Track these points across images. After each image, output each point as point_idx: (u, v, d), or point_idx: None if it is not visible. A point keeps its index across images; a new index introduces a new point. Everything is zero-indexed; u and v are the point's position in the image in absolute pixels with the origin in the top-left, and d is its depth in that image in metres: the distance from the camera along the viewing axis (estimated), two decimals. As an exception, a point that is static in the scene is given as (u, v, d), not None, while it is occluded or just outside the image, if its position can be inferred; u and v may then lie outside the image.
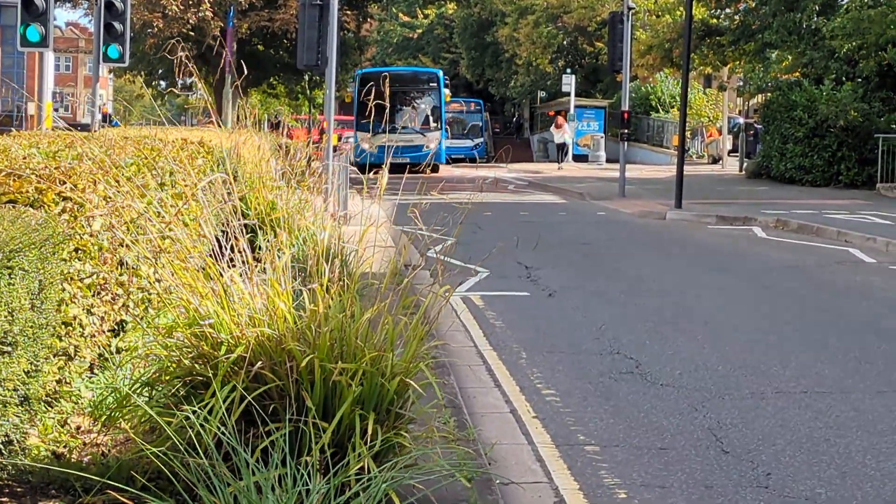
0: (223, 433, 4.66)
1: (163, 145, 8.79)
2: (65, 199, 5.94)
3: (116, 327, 6.93)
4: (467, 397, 7.79)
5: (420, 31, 77.34)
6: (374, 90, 6.72)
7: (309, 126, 50.68)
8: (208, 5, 43.72)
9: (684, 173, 24.87)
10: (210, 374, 5.08)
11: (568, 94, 53.21)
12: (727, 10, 38.34)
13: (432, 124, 41.18)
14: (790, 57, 35.58)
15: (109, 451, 5.65)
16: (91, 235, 6.16)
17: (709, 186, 31.50)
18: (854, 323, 11.47)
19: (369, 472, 4.71)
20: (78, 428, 5.98)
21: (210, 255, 5.77)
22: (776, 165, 33.65)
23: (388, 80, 7.69)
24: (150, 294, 7.28)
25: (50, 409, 5.77)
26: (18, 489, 5.09)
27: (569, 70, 57.79)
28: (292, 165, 11.28)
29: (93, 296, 6.21)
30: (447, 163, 43.53)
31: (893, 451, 6.93)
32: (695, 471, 6.49)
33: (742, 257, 17.13)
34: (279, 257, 5.65)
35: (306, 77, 52.99)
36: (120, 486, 4.60)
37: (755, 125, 43.74)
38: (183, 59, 6.61)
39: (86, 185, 6.21)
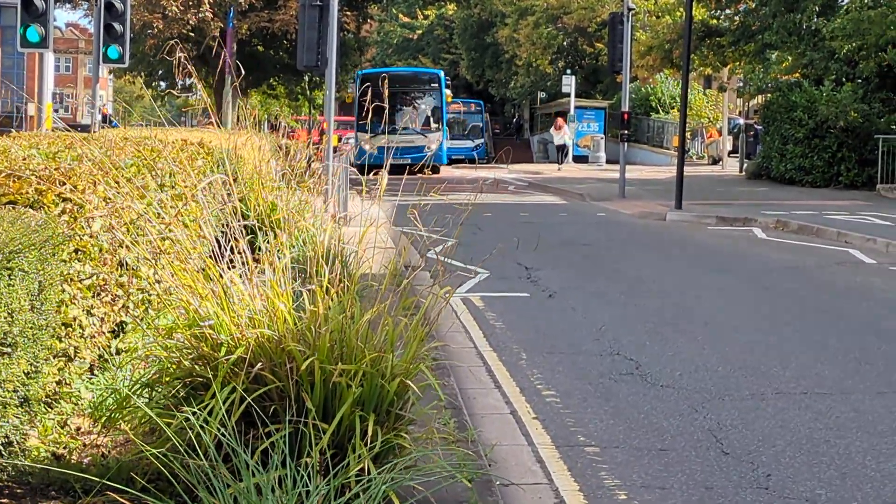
0: (223, 434, 4.66)
1: (162, 146, 8.79)
2: (64, 200, 5.94)
3: (116, 328, 6.93)
4: (467, 398, 7.79)
5: (420, 31, 77.38)
6: (375, 91, 6.73)
7: (309, 127, 50.70)
8: (208, 6, 43.72)
9: (684, 174, 24.86)
10: (210, 376, 5.08)
11: (568, 95, 53.22)
12: (727, 11, 38.36)
13: (433, 125, 41.14)
14: (790, 58, 35.58)
15: (109, 452, 5.65)
16: (91, 236, 6.16)
17: (709, 187, 31.50)
18: (854, 324, 11.47)
19: (369, 473, 4.71)
20: (78, 429, 5.98)
21: (210, 257, 5.77)
22: (776, 166, 33.65)
23: (388, 80, 7.70)
24: (149, 295, 7.28)
25: (50, 410, 5.76)
26: (18, 490, 5.09)
27: (569, 71, 57.84)
28: (292, 166, 11.29)
29: (93, 297, 6.21)
30: (447, 164, 43.50)
31: (893, 452, 6.93)
32: (695, 472, 6.49)
33: (742, 258, 17.13)
34: (279, 258, 5.65)
35: (306, 78, 52.99)
36: (120, 487, 4.60)
37: (755, 126, 43.72)
38: (182, 59, 6.60)
39: (86, 186, 6.21)
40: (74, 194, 6.00)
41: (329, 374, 5.07)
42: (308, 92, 60.69)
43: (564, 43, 61.19)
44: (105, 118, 27.70)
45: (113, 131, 13.39)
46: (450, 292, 5.98)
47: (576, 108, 52.70)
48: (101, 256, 6.32)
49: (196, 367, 5.28)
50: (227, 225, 6.12)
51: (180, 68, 6.57)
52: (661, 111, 53.52)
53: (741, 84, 45.80)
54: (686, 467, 6.57)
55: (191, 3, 43.50)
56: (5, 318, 4.67)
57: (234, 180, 7.72)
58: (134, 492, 4.62)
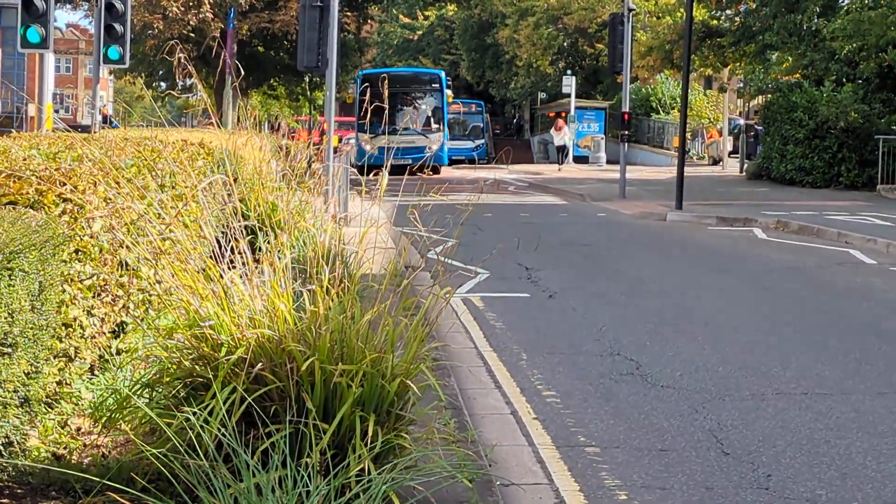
0: (223, 434, 4.66)
1: (163, 147, 8.79)
2: (65, 200, 5.94)
3: (117, 328, 6.93)
4: (468, 398, 7.79)
5: (420, 32, 77.40)
6: (376, 91, 6.73)
7: (309, 127, 50.68)
8: (208, 7, 43.71)
9: (685, 175, 24.87)
10: (210, 376, 5.08)
11: (568, 96, 53.21)
12: (728, 12, 38.38)
13: (434, 125, 41.09)
14: (790, 58, 35.60)
15: (110, 452, 5.65)
16: (91, 237, 6.16)
17: (709, 188, 31.50)
18: (854, 324, 11.47)
19: (369, 473, 4.71)
20: (78, 429, 5.98)
21: (210, 257, 5.77)
22: (776, 167, 33.65)
23: (389, 80, 7.69)
24: (150, 295, 7.28)
25: (50, 410, 5.76)
26: (19, 490, 5.09)
27: (569, 71, 57.85)
28: (293, 167, 11.29)
29: (93, 297, 6.21)
30: (448, 164, 43.49)
31: (894, 452, 6.93)
32: (695, 472, 6.49)
33: (742, 258, 17.13)
34: (279, 259, 5.65)
35: (307, 78, 52.95)
36: (120, 487, 4.59)
37: (755, 126, 43.74)
38: (183, 60, 6.60)
39: (86, 186, 6.21)
40: (75, 195, 6.01)
41: (329, 374, 5.07)
42: (308, 92, 60.65)
43: (565, 43, 61.22)
44: (105, 119, 27.69)
45: (113, 132, 13.39)
46: (450, 293, 5.98)
47: (576, 108, 52.70)
48: (101, 257, 6.32)
49: (196, 367, 5.28)
50: (228, 225, 6.12)
51: (180, 69, 6.58)
52: (661, 112, 53.53)
53: (741, 84, 45.86)
54: (686, 467, 6.57)
55: (191, 4, 43.48)
56: (6, 318, 4.67)
57: (235, 181, 7.72)
58: (134, 492, 4.62)
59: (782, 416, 7.70)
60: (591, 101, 56.97)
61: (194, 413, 4.75)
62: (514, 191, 33.17)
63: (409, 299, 5.79)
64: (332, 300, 5.44)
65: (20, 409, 5.05)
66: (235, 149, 11.90)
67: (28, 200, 5.70)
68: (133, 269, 6.79)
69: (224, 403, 4.80)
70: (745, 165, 39.41)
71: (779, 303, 12.77)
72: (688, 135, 34.81)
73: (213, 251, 5.80)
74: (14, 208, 5.47)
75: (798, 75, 35.76)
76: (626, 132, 30.88)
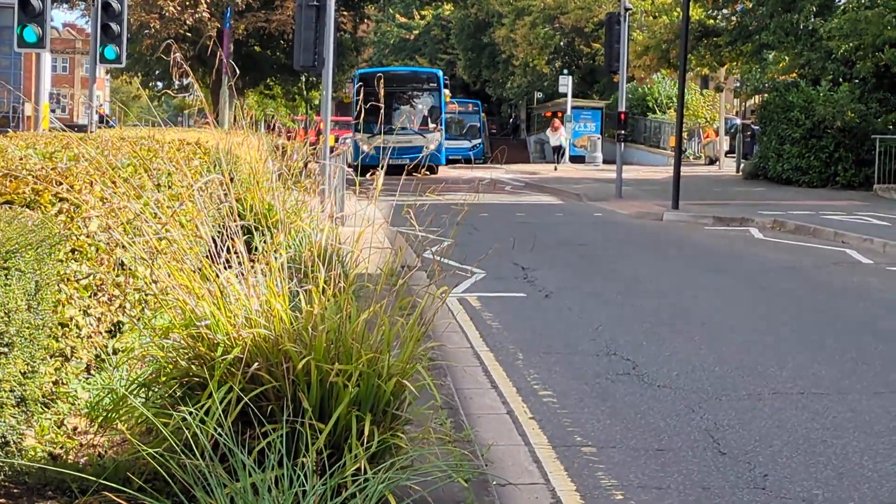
0: (220, 434, 4.66)
1: (159, 146, 8.79)
2: (61, 199, 5.94)
3: (113, 328, 6.93)
4: (464, 398, 7.79)
5: (417, 32, 77.40)
6: (373, 90, 6.72)
7: (306, 127, 50.66)
8: (205, 6, 43.65)
9: (681, 174, 24.89)
10: (207, 376, 5.08)
11: (565, 95, 53.20)
12: (724, 11, 38.38)
13: (431, 125, 41.01)
14: (787, 58, 35.60)
15: (106, 452, 5.64)
16: (88, 236, 6.16)
17: (706, 187, 31.51)
18: (851, 324, 11.48)
19: (366, 473, 4.71)
20: (74, 429, 5.98)
21: (207, 257, 5.77)
22: (773, 166, 33.68)
23: (387, 80, 7.68)
24: (146, 295, 7.28)
25: (46, 410, 5.76)
26: (15, 490, 5.08)
27: (566, 71, 57.84)
28: (289, 166, 11.29)
29: (89, 297, 6.21)
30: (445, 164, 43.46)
31: (890, 451, 6.93)
32: (692, 472, 6.49)
33: (739, 258, 17.13)
34: (276, 258, 5.65)
35: (303, 78, 52.92)
36: (116, 487, 4.59)
37: (752, 126, 43.76)
38: (179, 60, 6.60)
39: (82, 186, 6.21)
40: (71, 194, 6.00)
41: (326, 373, 5.07)
42: (305, 92, 60.61)
43: (561, 43, 61.21)
44: (102, 118, 27.67)
45: (110, 131, 13.38)
46: (446, 292, 5.98)
47: (573, 108, 52.67)
48: (97, 256, 6.32)
49: (193, 366, 5.28)
50: (224, 225, 6.11)
51: (177, 68, 6.57)
52: (657, 111, 53.54)
53: (738, 84, 45.83)
54: (683, 467, 6.57)
55: (188, 4, 43.44)
56: (2, 317, 4.67)
57: (231, 180, 7.72)
58: (130, 491, 4.62)
59: (779, 416, 7.71)
60: (587, 101, 56.99)
61: (191, 413, 4.75)
62: (510, 190, 33.18)
63: (405, 299, 5.79)
64: (329, 300, 5.44)
65: (16, 408, 5.05)
66: (232, 148, 11.90)
67: (24, 200, 5.70)
68: (129, 269, 6.79)
69: (220, 403, 4.80)
70: (742, 165, 39.44)
71: (775, 302, 12.78)
72: (684, 134, 34.85)
73: (209, 251, 5.80)
74: (10, 208, 5.47)
75: (795, 75, 35.78)
76: (623, 132, 30.90)
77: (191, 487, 4.54)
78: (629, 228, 22.17)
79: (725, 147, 46.18)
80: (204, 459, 4.52)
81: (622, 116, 30.59)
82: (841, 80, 33.15)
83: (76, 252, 5.98)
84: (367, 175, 6.41)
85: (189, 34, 43.53)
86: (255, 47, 50.40)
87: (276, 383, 5.07)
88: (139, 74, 50.96)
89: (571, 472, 6.47)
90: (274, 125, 16.07)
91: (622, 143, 30.64)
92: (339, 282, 5.67)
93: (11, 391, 4.92)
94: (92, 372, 6.62)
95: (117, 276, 6.71)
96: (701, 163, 48.00)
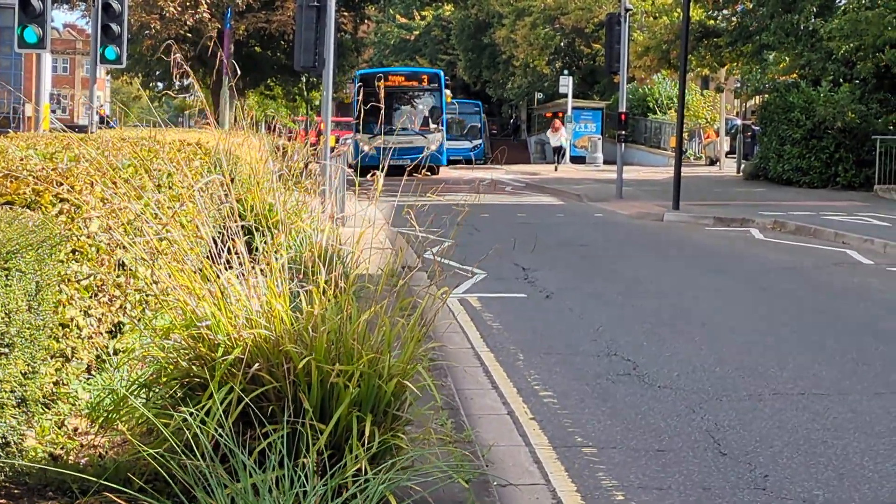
0: (220, 435, 4.66)
1: (160, 147, 8.79)
2: (62, 200, 5.94)
3: (114, 329, 6.92)
4: (464, 399, 7.79)
5: (417, 32, 77.39)
6: (374, 91, 6.71)
7: (306, 128, 50.67)
8: (205, 7, 43.65)
9: (682, 175, 24.89)
10: (207, 376, 5.08)
11: (565, 96, 53.21)
12: (724, 12, 38.38)
13: (433, 125, 40.95)
14: (788, 58, 35.61)
15: (106, 452, 5.64)
16: (88, 237, 6.16)
17: (706, 188, 31.51)
18: (851, 324, 11.48)
19: (366, 473, 4.71)
20: (75, 429, 5.98)
21: (207, 257, 5.77)
22: (773, 167, 33.68)
23: (388, 80, 7.67)
24: (147, 296, 7.28)
25: (47, 410, 5.76)
26: (16, 491, 5.09)
27: (566, 71, 57.84)
28: (290, 167, 11.29)
29: (90, 297, 6.20)
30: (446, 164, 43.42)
31: (891, 452, 6.93)
32: (692, 472, 6.49)
33: (739, 259, 17.13)
34: (276, 259, 5.65)
35: (303, 79, 52.94)
36: (117, 487, 4.59)
37: (752, 127, 43.76)
38: (179, 60, 6.60)
39: (83, 186, 6.21)
40: (72, 195, 6.00)
41: (326, 374, 5.07)
42: (305, 93, 60.64)
43: (562, 44, 61.22)
44: (103, 119, 27.68)
45: (110, 132, 13.39)
46: (447, 293, 5.98)
47: (573, 108, 52.70)
48: (98, 257, 6.32)
49: (193, 367, 5.28)
50: (225, 225, 6.11)
51: (177, 69, 6.57)
52: (658, 112, 53.55)
53: (738, 85, 45.82)
54: (683, 468, 6.57)
55: (188, 4, 43.44)
56: (2, 318, 4.67)
57: (232, 181, 7.72)
58: (131, 492, 4.62)
59: (779, 417, 7.70)
60: (587, 102, 57.00)
61: (191, 413, 4.75)
62: (510, 191, 33.18)
63: (405, 299, 5.79)
64: (329, 300, 5.44)
65: (17, 409, 5.05)
66: (232, 149, 11.89)
67: (25, 200, 5.70)
68: (130, 270, 6.79)
69: (221, 404, 4.80)
70: (742, 166, 39.44)
71: (776, 303, 12.78)
72: (685, 135, 34.84)
73: (209, 251, 5.80)
74: (11, 208, 5.47)
75: (795, 75, 35.78)
76: (623, 132, 30.89)
77: (191, 488, 4.54)
78: (630, 229, 22.17)
79: (726, 148, 46.19)
80: (205, 460, 4.52)
81: (623, 117, 30.59)
82: (841, 80, 33.16)
83: (77, 253, 5.98)
84: (368, 175, 6.41)
85: (189, 35, 43.54)
86: (256, 48, 50.42)
87: (276, 384, 5.07)
88: (140, 75, 50.99)
89: (572, 472, 6.47)
90: (274, 126, 16.05)
91: (623, 144, 30.64)
92: (339, 282, 5.67)
93: (12, 392, 4.92)
94: (92, 372, 6.62)
95: (118, 276, 6.71)
96: (701, 163, 48.00)
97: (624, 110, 30.79)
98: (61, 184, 5.96)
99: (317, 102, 60.56)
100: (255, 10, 46.07)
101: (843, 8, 33.20)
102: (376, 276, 6.03)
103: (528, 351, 9.87)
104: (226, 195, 6.46)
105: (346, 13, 47.95)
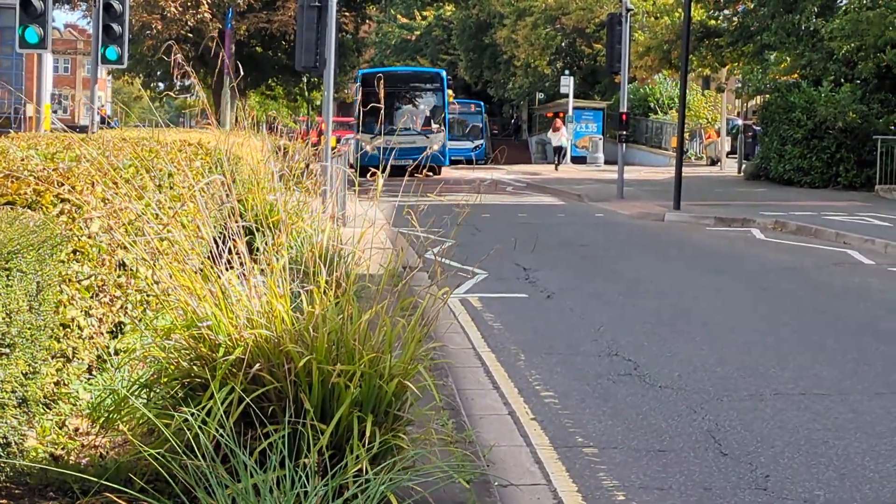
0: (221, 435, 4.66)
1: (161, 147, 8.79)
2: (63, 200, 5.94)
3: (115, 329, 6.93)
4: (465, 399, 7.79)
5: (418, 32, 77.38)
6: (375, 91, 6.71)
7: (307, 128, 50.67)
8: (207, 7, 43.69)
9: (683, 175, 24.88)
10: (208, 376, 5.08)
11: (566, 96, 53.23)
12: (726, 12, 38.38)
13: (435, 125, 40.90)
14: (789, 58, 35.60)
15: (107, 452, 5.65)
16: (89, 237, 6.16)
17: (707, 188, 31.51)
18: (852, 324, 11.48)
19: (367, 473, 4.71)
20: (76, 430, 5.98)
21: (208, 257, 5.77)
22: (775, 167, 33.67)
23: (390, 80, 7.68)
24: (148, 296, 7.28)
25: (48, 410, 5.76)
26: (16, 491, 5.09)
27: (567, 72, 57.84)
28: (291, 167, 11.28)
29: (91, 297, 6.21)
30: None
31: (892, 452, 6.93)
32: (693, 473, 6.49)
33: (740, 259, 17.13)
34: (277, 259, 5.65)
35: (304, 79, 52.97)
36: (118, 487, 4.60)
37: (754, 127, 43.75)
38: (180, 60, 6.60)
39: (84, 186, 6.21)
40: (73, 195, 6.00)
41: (327, 374, 5.07)
42: (306, 93, 60.68)
43: (563, 44, 61.22)
44: (104, 119, 27.69)
45: (111, 132, 13.39)
46: (448, 293, 5.98)
47: (574, 108, 52.73)
48: (99, 257, 6.32)
49: (194, 367, 5.28)
50: (226, 226, 6.12)
51: (178, 69, 6.57)
52: (659, 112, 53.57)
53: (739, 85, 45.79)
54: (684, 468, 6.57)
55: (189, 4, 43.48)
56: (3, 318, 4.67)
57: (233, 181, 7.72)
58: (132, 492, 4.62)
59: (780, 417, 7.70)
60: (588, 102, 57.00)
61: (192, 413, 4.75)
62: (511, 191, 33.18)
63: (406, 300, 5.79)
64: (330, 301, 5.44)
65: (18, 409, 5.05)
66: (233, 149, 11.89)
67: (26, 201, 5.70)
68: (131, 270, 6.79)
69: (222, 404, 4.80)
70: (744, 166, 39.42)
71: (776, 303, 12.77)
72: (686, 135, 34.84)
73: (210, 252, 5.80)
74: (12, 208, 5.47)
75: (796, 75, 35.76)
76: (624, 132, 30.87)
77: (192, 488, 4.54)
78: (630, 229, 22.16)
79: (727, 148, 46.17)
80: (205, 460, 4.52)
81: (623, 117, 30.58)
82: (842, 80, 33.15)
83: (78, 253, 5.98)
84: (368, 175, 6.41)
85: (191, 35, 43.59)
86: (257, 48, 50.46)
87: (277, 384, 5.07)
88: (141, 75, 51.02)
89: (573, 472, 6.47)
90: (276, 126, 16.07)
91: (623, 144, 30.62)
92: (340, 283, 5.67)
93: (13, 392, 4.92)
94: (93, 373, 6.62)
95: (119, 276, 6.71)
96: (702, 163, 47.98)
97: (625, 110, 30.78)
98: (62, 184, 5.96)
99: (318, 103, 60.58)
100: (256, 11, 46.12)
101: (844, 8, 33.18)
102: (377, 276, 6.03)
103: (529, 351, 9.87)
104: (227, 195, 6.46)
105: (347, 13, 47.98)
